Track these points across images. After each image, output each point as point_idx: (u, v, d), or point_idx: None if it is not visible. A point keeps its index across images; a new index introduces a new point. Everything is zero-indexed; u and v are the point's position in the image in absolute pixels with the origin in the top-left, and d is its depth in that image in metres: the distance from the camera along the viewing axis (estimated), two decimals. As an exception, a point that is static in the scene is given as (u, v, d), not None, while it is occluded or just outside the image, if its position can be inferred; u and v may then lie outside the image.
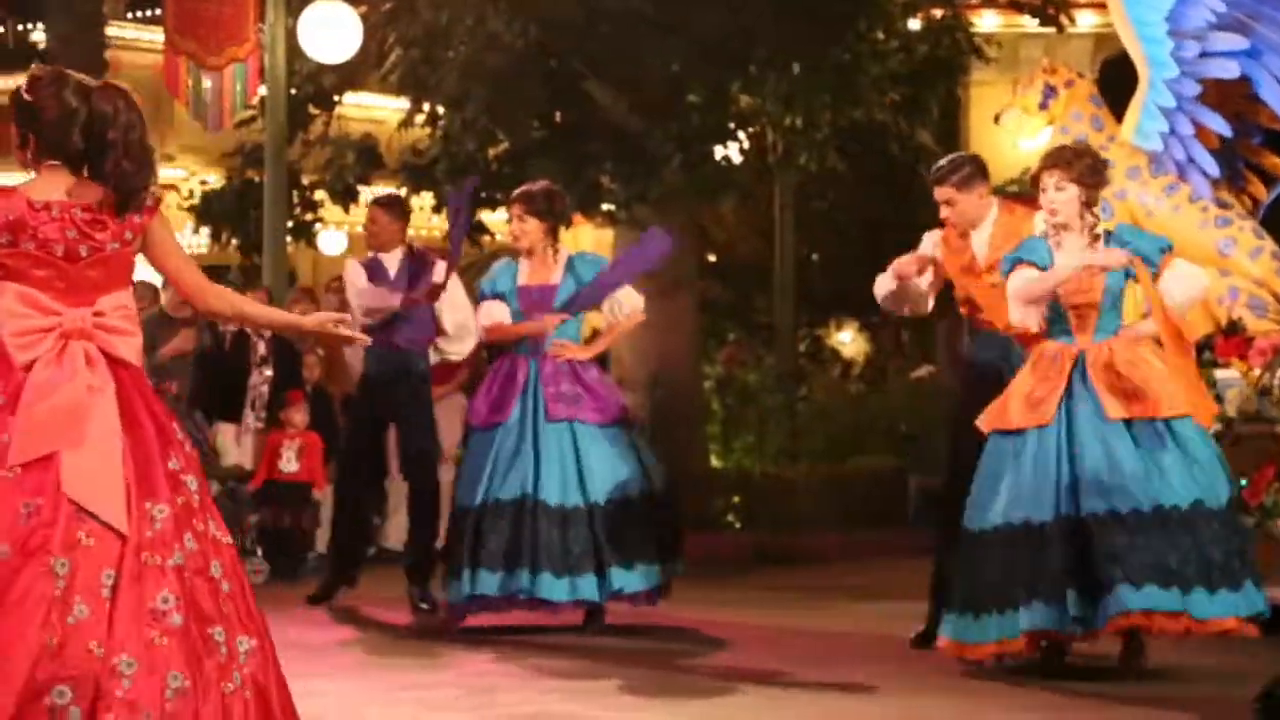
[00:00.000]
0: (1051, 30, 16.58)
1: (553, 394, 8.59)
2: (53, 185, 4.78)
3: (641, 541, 8.48)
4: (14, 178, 5.00)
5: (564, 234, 20.31)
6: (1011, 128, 10.36)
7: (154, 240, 4.87)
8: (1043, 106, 10.13)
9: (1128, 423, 6.95)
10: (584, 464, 8.47)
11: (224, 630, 4.59)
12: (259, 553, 11.14)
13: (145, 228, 4.82)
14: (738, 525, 13.85)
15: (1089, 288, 7.13)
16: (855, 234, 19.59)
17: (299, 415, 11.50)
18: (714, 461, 15.46)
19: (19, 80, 4.93)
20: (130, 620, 4.50)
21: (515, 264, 8.99)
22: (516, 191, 9.16)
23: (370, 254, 9.93)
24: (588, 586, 8.35)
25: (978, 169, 7.97)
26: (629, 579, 8.40)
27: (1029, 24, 17.94)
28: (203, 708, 4.48)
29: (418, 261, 9.81)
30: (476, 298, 9.15)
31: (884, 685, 6.95)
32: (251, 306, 5.26)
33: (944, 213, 7.93)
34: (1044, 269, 7.08)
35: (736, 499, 14.04)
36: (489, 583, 8.36)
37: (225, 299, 4.99)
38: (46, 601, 4.45)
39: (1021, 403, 7.08)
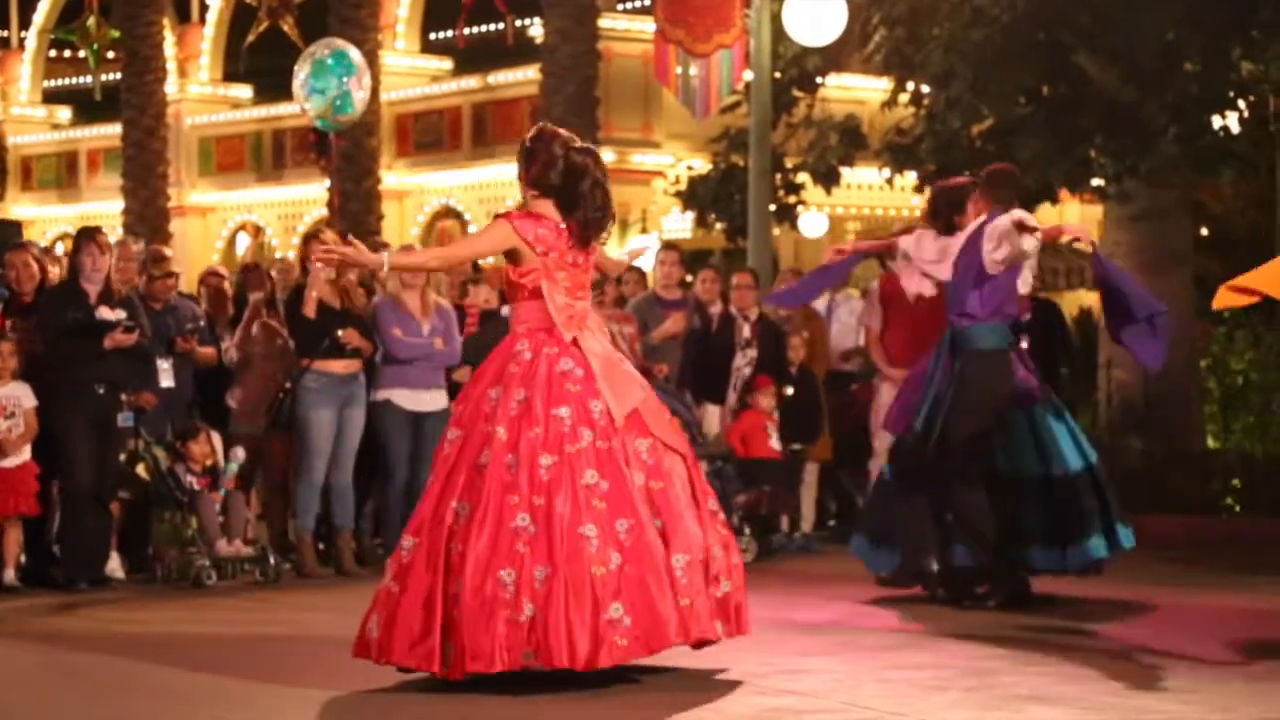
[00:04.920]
0: None
1: None
2: (548, 211, 6.69)
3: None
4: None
5: (1050, 212, 19.95)
6: None
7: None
8: None
9: None
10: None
11: None
12: (746, 532, 11.29)
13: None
14: (1237, 509, 13.30)
15: None
16: (1366, 205, 18.44)
17: (765, 399, 11.61)
18: (1210, 443, 14.88)
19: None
20: (710, 518, 6.63)
21: None
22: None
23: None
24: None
25: None
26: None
27: None
28: None
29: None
30: None
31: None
32: None
33: None
34: None
35: (1236, 482, 13.47)
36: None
37: None
38: (686, 507, 6.54)
39: None
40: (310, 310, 10.26)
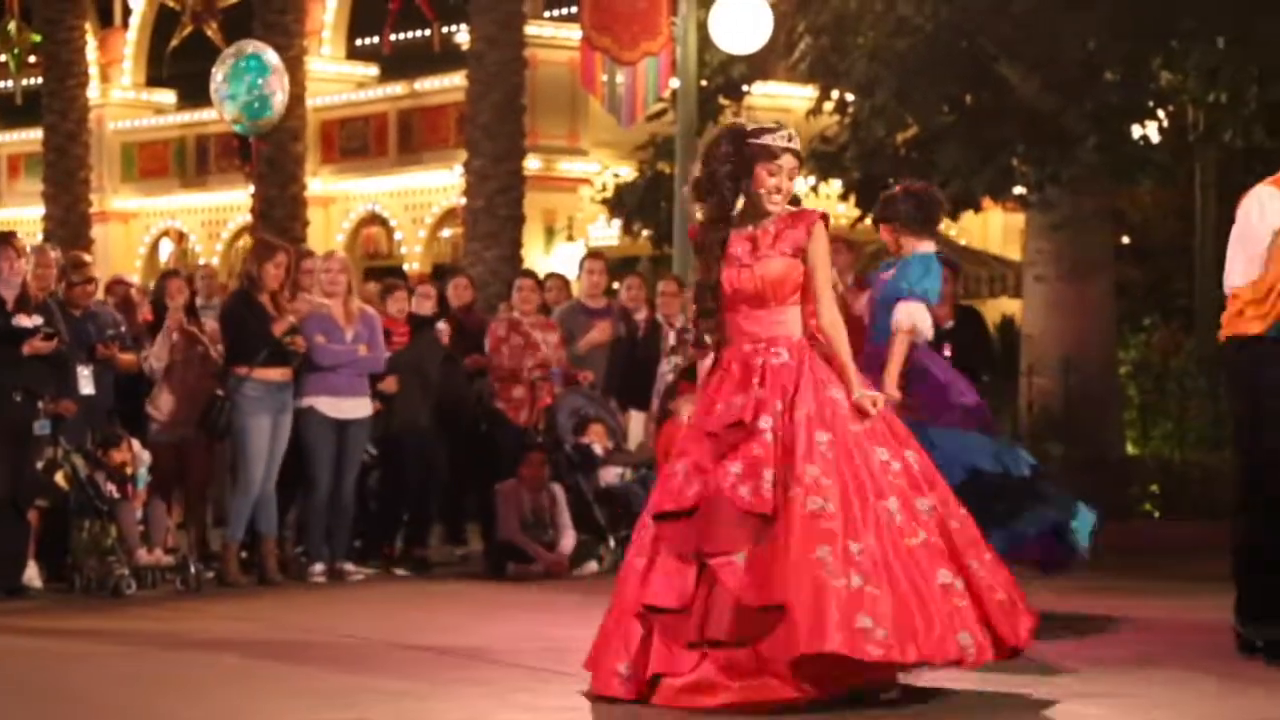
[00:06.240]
0: None
1: None
2: None
3: None
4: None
5: (973, 220, 19.96)
6: None
7: None
8: None
9: None
10: None
11: None
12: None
13: None
14: (1156, 514, 13.45)
15: None
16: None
17: (687, 406, 11.58)
18: (1130, 449, 15.03)
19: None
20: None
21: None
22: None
23: None
24: None
25: None
26: None
27: None
28: None
29: None
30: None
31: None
32: None
33: None
34: None
35: (1155, 487, 13.63)
36: None
37: None
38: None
39: None
40: (281, 329, 10.19)
